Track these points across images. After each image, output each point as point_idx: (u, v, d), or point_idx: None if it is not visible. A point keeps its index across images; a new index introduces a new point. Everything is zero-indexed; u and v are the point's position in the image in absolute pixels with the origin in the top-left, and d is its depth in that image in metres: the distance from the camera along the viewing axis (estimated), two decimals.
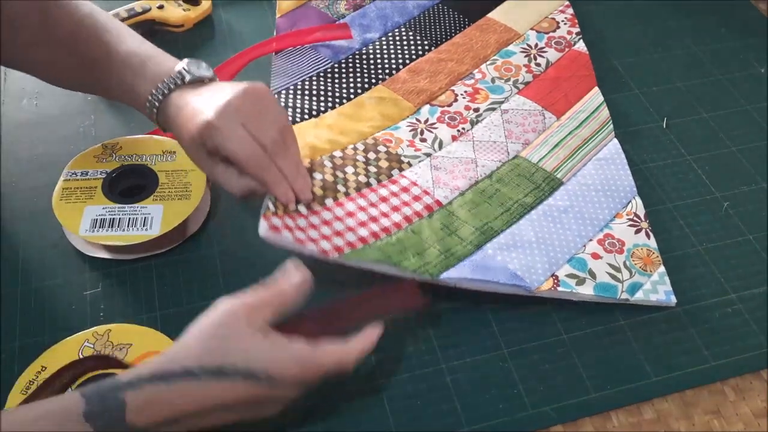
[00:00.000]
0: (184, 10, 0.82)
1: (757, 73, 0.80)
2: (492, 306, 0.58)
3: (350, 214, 0.58)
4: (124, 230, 0.60)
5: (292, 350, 0.45)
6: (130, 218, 0.60)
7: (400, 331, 0.56)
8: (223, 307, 0.46)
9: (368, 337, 0.48)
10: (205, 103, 0.53)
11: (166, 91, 0.55)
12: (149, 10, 0.80)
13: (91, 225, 0.60)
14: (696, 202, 0.67)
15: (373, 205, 0.59)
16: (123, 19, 0.79)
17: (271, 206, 0.54)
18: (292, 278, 0.48)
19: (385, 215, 0.59)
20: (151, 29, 0.81)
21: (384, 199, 0.60)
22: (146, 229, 0.60)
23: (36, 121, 0.73)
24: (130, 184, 0.64)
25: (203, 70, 0.57)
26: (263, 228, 0.52)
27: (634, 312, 0.58)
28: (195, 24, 0.83)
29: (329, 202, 0.58)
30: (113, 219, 0.60)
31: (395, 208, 0.60)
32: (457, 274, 0.55)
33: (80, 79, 0.61)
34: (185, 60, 0.57)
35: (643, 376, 0.55)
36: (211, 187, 0.65)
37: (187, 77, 0.56)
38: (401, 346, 0.56)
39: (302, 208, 0.56)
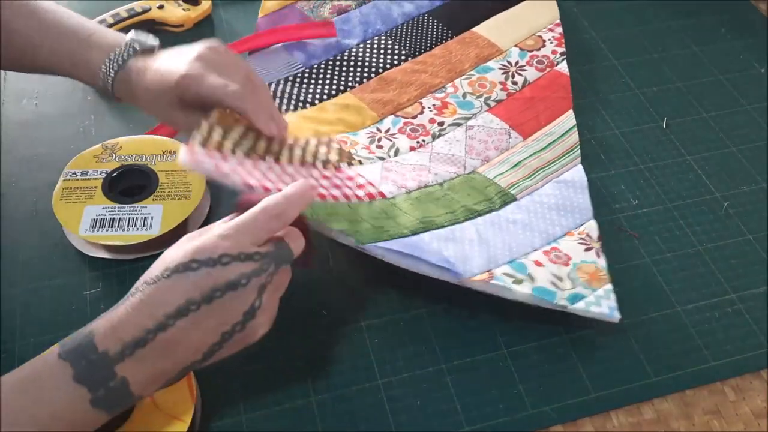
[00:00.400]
0: (184, 10, 0.82)
1: (757, 73, 0.80)
2: (492, 306, 0.58)
3: (287, 173, 0.55)
4: (124, 230, 0.60)
5: (211, 229, 0.45)
6: (130, 218, 0.60)
7: (400, 331, 0.57)
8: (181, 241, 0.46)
9: (302, 186, 0.48)
10: (172, 61, 0.55)
11: (120, 61, 0.57)
12: (149, 10, 0.81)
13: (91, 225, 0.60)
14: (696, 202, 0.67)
15: (312, 177, 0.57)
16: (123, 19, 0.79)
17: (199, 137, 0.52)
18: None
19: (324, 187, 0.56)
20: (151, 29, 0.81)
21: (326, 177, 0.58)
22: (146, 229, 0.60)
23: (36, 121, 0.73)
24: (130, 184, 0.64)
25: (151, 39, 0.59)
26: (183, 153, 0.50)
27: (634, 312, 0.58)
28: (195, 24, 0.83)
29: (268, 158, 0.56)
30: (113, 219, 0.60)
31: (336, 186, 0.58)
32: (385, 246, 0.54)
33: (19, 56, 0.60)
34: (132, 31, 0.59)
35: (643, 376, 0.55)
36: (211, 186, 0.65)
37: (139, 46, 0.58)
38: (401, 346, 0.56)
39: (238, 152, 0.54)
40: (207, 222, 0.63)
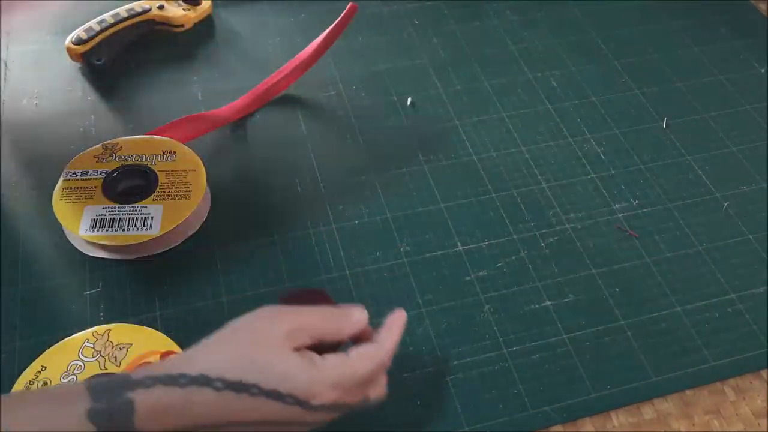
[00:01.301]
0: (184, 10, 0.82)
1: (757, 73, 0.80)
2: (492, 306, 0.58)
3: None
4: (124, 230, 0.60)
5: (326, 371, 0.40)
6: (130, 218, 0.60)
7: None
8: (263, 313, 0.41)
9: (397, 322, 0.44)
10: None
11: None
12: (149, 10, 0.80)
13: (91, 225, 0.60)
14: (696, 202, 0.67)
15: None
16: (123, 19, 0.79)
17: None
18: (354, 316, 0.43)
19: None
20: (151, 29, 0.81)
21: None
22: (146, 229, 0.60)
23: (36, 121, 0.73)
24: (130, 184, 0.64)
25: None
26: None
27: (634, 312, 0.58)
28: (195, 24, 0.83)
29: None
30: (113, 219, 0.60)
31: None
32: None
33: None
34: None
35: (643, 376, 0.55)
36: (211, 186, 0.65)
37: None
38: (401, 346, 0.56)
39: None
40: (207, 222, 0.63)
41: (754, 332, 0.57)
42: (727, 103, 0.77)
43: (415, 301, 0.58)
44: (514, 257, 0.62)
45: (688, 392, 0.54)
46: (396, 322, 0.44)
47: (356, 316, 0.43)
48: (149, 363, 0.40)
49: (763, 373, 0.56)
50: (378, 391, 0.43)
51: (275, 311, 0.41)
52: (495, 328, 0.57)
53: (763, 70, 0.80)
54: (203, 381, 0.37)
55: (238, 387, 0.38)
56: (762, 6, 0.89)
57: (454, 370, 0.54)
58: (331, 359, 0.40)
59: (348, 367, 0.40)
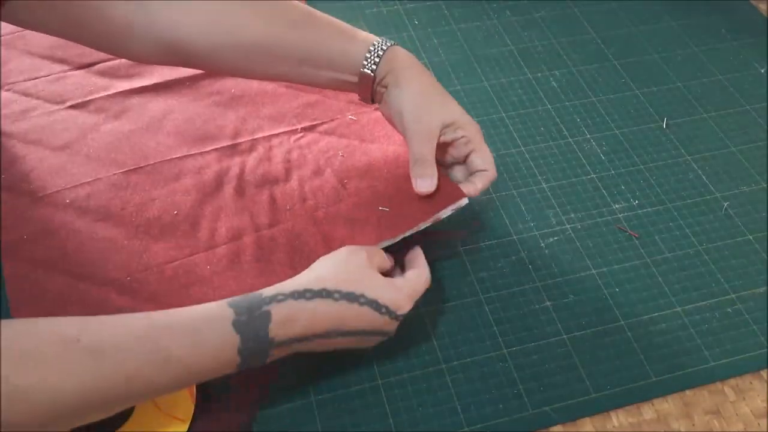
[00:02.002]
0: None
1: (757, 73, 0.80)
2: (492, 306, 0.58)
3: None
4: None
5: (405, 288, 0.51)
6: None
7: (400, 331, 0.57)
8: (347, 248, 0.51)
9: (419, 255, 0.54)
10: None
11: (381, 51, 0.55)
12: None
13: None
14: (696, 202, 0.67)
15: None
16: None
17: None
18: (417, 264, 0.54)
19: None
20: None
21: None
22: None
23: None
24: None
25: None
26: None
27: (634, 312, 0.58)
28: None
29: None
30: None
31: None
32: None
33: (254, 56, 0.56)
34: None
35: (643, 376, 0.55)
36: None
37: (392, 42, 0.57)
38: (401, 346, 0.56)
39: None
40: None
41: (754, 332, 0.57)
42: (727, 103, 0.77)
43: (415, 301, 0.58)
44: (514, 257, 0.62)
45: (688, 392, 0.54)
46: (419, 254, 0.54)
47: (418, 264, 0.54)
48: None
49: (763, 373, 0.56)
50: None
51: (351, 246, 0.52)
52: (495, 328, 0.57)
53: (763, 70, 0.80)
54: (325, 294, 0.47)
55: (351, 297, 0.47)
56: (762, 6, 0.89)
57: (454, 370, 0.54)
58: (401, 281, 0.52)
59: (415, 284, 0.52)
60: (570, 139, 0.72)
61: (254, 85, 0.71)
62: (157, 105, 0.68)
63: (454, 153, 0.58)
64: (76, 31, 0.53)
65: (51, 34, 0.55)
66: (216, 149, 0.65)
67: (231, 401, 0.51)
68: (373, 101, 0.59)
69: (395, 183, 0.60)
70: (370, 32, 0.57)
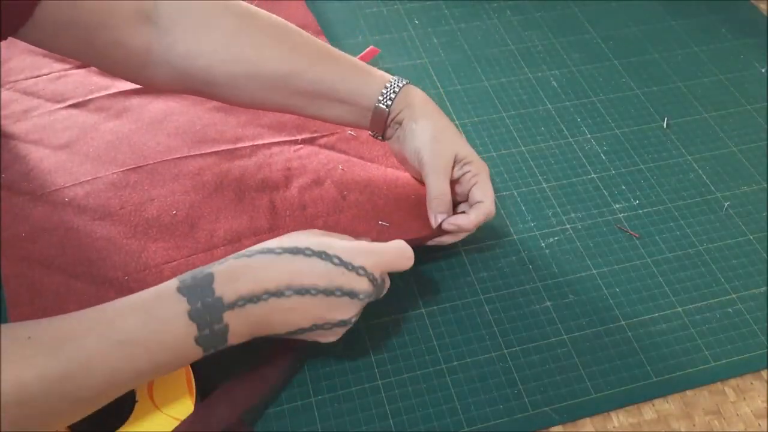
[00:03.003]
0: None
1: (757, 73, 0.80)
2: (492, 306, 0.58)
3: None
4: None
5: (360, 243, 0.49)
6: None
7: (400, 331, 0.57)
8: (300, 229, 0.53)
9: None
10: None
11: (397, 89, 0.57)
12: None
13: None
14: (696, 202, 0.67)
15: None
16: None
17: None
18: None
19: None
20: None
21: None
22: None
23: None
24: None
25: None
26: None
27: (634, 312, 0.58)
28: None
29: None
30: None
31: None
32: None
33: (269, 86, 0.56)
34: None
35: (643, 376, 0.55)
36: None
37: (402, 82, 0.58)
38: (401, 346, 0.56)
39: None
40: None
41: (754, 332, 0.57)
42: (727, 103, 0.77)
43: (415, 301, 0.58)
44: (514, 257, 0.62)
45: (689, 392, 0.54)
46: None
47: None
48: None
49: (763, 373, 0.56)
50: (387, 284, 0.52)
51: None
52: (495, 328, 0.57)
53: (763, 70, 0.80)
54: (267, 250, 0.46)
55: (294, 250, 0.46)
56: (762, 6, 0.89)
57: (454, 370, 0.54)
58: (363, 240, 0.51)
59: (381, 245, 0.50)
60: (570, 139, 0.72)
61: None
62: (157, 106, 0.68)
63: (458, 190, 0.58)
64: (94, 55, 0.53)
65: (69, 57, 0.55)
66: (216, 152, 0.65)
67: (231, 401, 0.51)
68: (383, 138, 0.59)
69: (395, 201, 0.61)
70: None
